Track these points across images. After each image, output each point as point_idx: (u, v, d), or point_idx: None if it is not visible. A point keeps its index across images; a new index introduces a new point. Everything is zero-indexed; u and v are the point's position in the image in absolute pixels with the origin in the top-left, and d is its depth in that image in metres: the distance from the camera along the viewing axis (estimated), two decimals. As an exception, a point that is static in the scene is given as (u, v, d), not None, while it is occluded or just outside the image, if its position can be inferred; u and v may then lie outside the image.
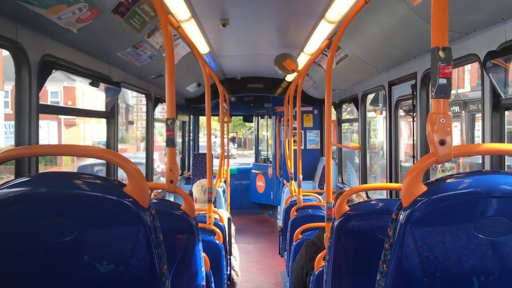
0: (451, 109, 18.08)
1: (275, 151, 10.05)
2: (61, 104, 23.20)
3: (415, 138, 4.01)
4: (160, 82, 5.51)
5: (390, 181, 4.72)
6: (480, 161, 2.95)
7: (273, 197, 10.01)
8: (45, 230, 1.48)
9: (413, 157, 4.09)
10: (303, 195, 5.44)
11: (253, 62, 7.37)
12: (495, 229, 1.39)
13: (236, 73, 8.63)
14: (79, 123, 25.25)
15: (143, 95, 5.65)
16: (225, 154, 7.43)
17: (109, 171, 4.28)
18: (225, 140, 7.68)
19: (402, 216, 1.43)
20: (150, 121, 5.76)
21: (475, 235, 1.39)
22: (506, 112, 2.80)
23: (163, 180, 8.75)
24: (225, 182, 7.58)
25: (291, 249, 4.33)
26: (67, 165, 18.43)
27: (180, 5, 3.57)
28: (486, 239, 1.39)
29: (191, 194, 4.53)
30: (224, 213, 4.65)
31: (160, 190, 5.08)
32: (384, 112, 5.02)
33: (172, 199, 5.62)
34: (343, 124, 7.83)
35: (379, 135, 11.65)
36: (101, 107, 4.51)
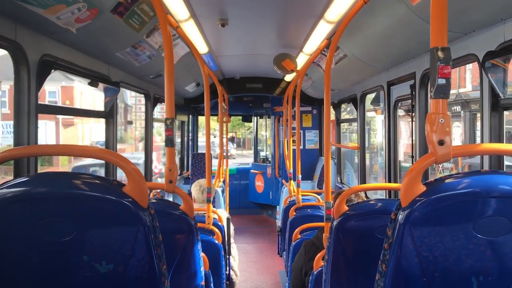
0: (452, 108, 18.07)
1: (274, 151, 10.05)
2: (59, 104, 23.17)
3: (414, 138, 4.02)
4: (159, 82, 5.50)
5: (389, 181, 4.72)
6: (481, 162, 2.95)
7: (272, 197, 10.02)
8: (45, 230, 1.48)
9: (412, 157, 4.09)
10: (302, 195, 5.44)
11: (252, 62, 7.37)
12: (494, 229, 1.39)
13: (235, 73, 8.63)
14: (77, 123, 25.19)
15: (142, 95, 5.65)
16: (224, 154, 7.43)
17: (108, 171, 4.28)
18: (224, 140, 7.68)
19: (401, 216, 1.43)
20: (149, 121, 5.76)
21: (474, 235, 1.39)
22: (506, 112, 2.80)
23: (160, 180, 8.77)
24: (224, 182, 7.58)
25: (290, 249, 4.33)
26: (64, 165, 18.37)
27: (179, 5, 3.57)
28: (485, 239, 1.39)
29: (190, 194, 4.53)
30: (223, 213, 4.65)
31: (159, 190, 5.09)
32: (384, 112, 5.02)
33: (171, 199, 5.62)
34: (342, 124, 7.84)
35: (378, 135, 11.65)
36: (99, 107, 4.51)
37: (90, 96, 25.53)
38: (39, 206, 1.49)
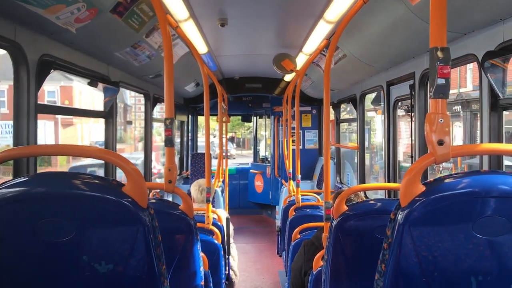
0: (453, 108, 18.07)
1: (273, 151, 10.05)
2: (58, 104, 23.14)
3: (413, 138, 4.02)
4: (159, 82, 5.50)
5: (389, 181, 4.72)
6: (480, 162, 2.95)
7: (272, 197, 10.01)
8: (44, 230, 1.48)
9: (411, 157, 4.09)
10: (302, 195, 5.44)
11: (251, 62, 7.37)
12: (493, 229, 1.39)
13: (234, 73, 8.63)
14: (76, 123, 25.17)
15: (142, 95, 5.65)
16: (224, 154, 7.43)
17: (108, 171, 4.28)
18: (224, 140, 7.68)
19: (400, 216, 1.43)
20: (148, 121, 5.76)
21: (473, 235, 1.39)
22: (506, 112, 2.80)
23: (159, 181, 8.76)
24: (223, 182, 7.57)
25: (289, 249, 4.33)
26: (62, 165, 18.34)
27: (178, 5, 3.57)
28: (484, 239, 1.40)
29: (189, 194, 4.53)
30: (222, 213, 4.65)
31: (158, 190, 5.08)
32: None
33: (170, 199, 5.62)
34: (342, 124, 7.84)
35: (378, 135, 11.66)
36: (99, 107, 4.51)
37: (89, 96, 25.50)
38: (39, 206, 1.49)
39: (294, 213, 5.09)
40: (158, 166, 15.78)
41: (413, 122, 4.02)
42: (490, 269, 1.41)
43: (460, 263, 1.40)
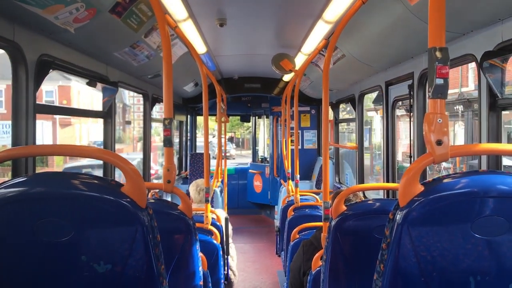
0: (455, 108, 18.07)
1: (272, 151, 10.06)
2: (56, 104, 23.10)
3: (412, 138, 4.02)
4: (158, 82, 5.50)
5: (388, 181, 4.72)
6: (478, 162, 2.96)
7: (270, 197, 10.01)
8: (43, 230, 1.48)
9: (410, 157, 4.10)
10: (301, 195, 5.45)
11: (250, 62, 7.37)
12: (492, 229, 1.39)
13: (233, 73, 8.63)
14: (75, 123, 25.15)
15: (141, 95, 5.65)
16: (223, 154, 7.43)
17: (106, 171, 4.28)
18: (223, 140, 7.68)
19: (399, 216, 1.43)
20: (147, 121, 5.76)
21: (472, 235, 1.40)
22: (506, 112, 2.80)
23: (156, 182, 8.75)
24: (222, 181, 7.57)
25: (288, 248, 4.33)
26: (59, 165, 18.30)
27: (177, 5, 3.56)
28: (483, 238, 1.40)
29: (188, 194, 4.52)
30: (221, 213, 4.65)
31: (157, 190, 5.08)
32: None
33: (169, 199, 5.62)
34: (342, 124, 7.84)
35: (379, 135, 11.67)
36: (97, 106, 4.51)
37: (88, 96, 25.47)
38: (37, 206, 1.49)
39: (293, 213, 5.09)
40: (155, 166, 15.70)
41: (412, 122, 4.02)
42: (489, 269, 1.41)
43: (459, 263, 1.41)
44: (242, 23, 4.70)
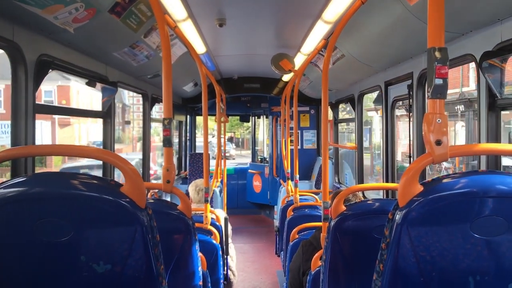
0: (456, 107, 18.07)
1: (271, 151, 10.06)
2: (55, 104, 23.08)
3: (411, 138, 4.02)
4: (157, 82, 5.50)
5: (387, 181, 4.73)
6: (478, 162, 2.96)
7: (270, 197, 10.01)
8: (42, 230, 1.48)
9: (410, 157, 4.10)
10: (300, 195, 5.45)
11: (249, 62, 7.37)
12: (491, 229, 1.40)
13: (233, 73, 8.63)
14: (74, 122, 25.13)
15: (140, 95, 5.65)
16: (222, 154, 7.43)
17: (106, 172, 4.27)
18: (222, 140, 7.68)
19: (398, 216, 1.43)
20: (147, 121, 5.75)
21: (471, 235, 1.40)
22: (506, 112, 2.80)
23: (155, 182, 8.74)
24: (221, 182, 7.57)
25: (287, 249, 4.33)
26: (57, 165, 18.28)
27: (176, 5, 3.56)
28: (482, 238, 1.40)
29: (187, 194, 4.52)
30: (220, 213, 4.65)
31: (156, 190, 5.08)
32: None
33: (168, 199, 5.62)
34: (341, 124, 7.83)
35: (377, 135, 11.68)
36: (97, 106, 4.51)
37: (87, 96, 25.45)
38: (37, 206, 1.49)
39: (292, 213, 5.10)
40: (154, 167, 15.67)
41: (411, 122, 4.03)
42: (488, 269, 1.41)
43: (458, 263, 1.41)
44: (241, 23, 4.70)
